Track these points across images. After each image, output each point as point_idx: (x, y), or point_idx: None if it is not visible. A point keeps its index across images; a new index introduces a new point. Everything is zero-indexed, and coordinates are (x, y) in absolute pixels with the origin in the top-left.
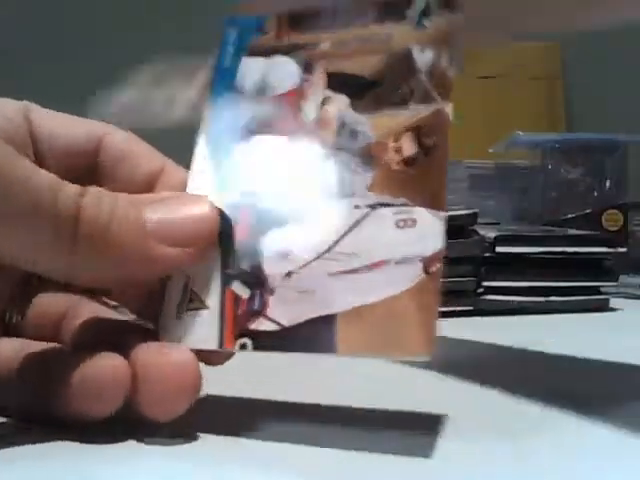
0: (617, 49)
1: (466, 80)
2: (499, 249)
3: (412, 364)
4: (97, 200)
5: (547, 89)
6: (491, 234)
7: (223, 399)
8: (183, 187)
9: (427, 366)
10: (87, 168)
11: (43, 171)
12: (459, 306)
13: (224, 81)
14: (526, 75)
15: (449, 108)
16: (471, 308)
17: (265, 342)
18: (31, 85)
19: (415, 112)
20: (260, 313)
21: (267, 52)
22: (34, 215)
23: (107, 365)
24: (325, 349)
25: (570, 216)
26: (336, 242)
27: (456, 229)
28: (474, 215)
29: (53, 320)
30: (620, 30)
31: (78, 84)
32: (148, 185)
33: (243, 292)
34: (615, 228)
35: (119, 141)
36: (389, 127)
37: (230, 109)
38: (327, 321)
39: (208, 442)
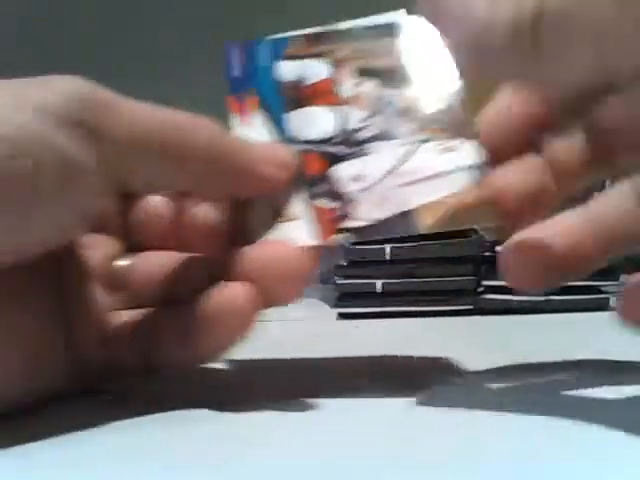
0: None
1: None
2: (499, 248)
3: None
4: None
5: None
6: None
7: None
8: None
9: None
10: None
11: None
12: (459, 305)
13: (264, 74)
14: None
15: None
16: (471, 307)
17: (359, 233)
18: None
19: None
20: (346, 217)
21: (297, 57)
22: None
23: (236, 292)
24: (409, 230)
25: None
26: (397, 165)
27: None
28: None
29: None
30: None
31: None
32: None
33: (326, 205)
34: None
35: None
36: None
37: (273, 91)
38: (405, 213)
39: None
